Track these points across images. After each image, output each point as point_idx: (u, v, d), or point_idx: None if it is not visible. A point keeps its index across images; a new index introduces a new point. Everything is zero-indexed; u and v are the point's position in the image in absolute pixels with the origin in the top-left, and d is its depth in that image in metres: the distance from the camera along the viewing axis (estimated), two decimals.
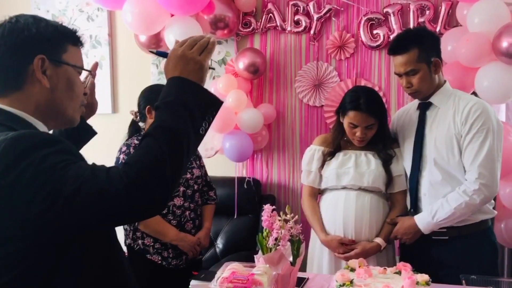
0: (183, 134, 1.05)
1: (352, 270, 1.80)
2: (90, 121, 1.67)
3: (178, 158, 1.03)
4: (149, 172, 0.98)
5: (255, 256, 1.72)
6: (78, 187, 0.94)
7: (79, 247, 1.04)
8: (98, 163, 1.05)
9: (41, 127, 1.12)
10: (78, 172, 0.96)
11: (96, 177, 0.96)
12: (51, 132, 1.20)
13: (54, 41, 1.12)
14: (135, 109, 2.42)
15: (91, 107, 1.65)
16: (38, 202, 0.93)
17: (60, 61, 1.12)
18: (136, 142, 2.29)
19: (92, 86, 1.64)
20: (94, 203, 0.95)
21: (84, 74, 1.41)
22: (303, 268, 2.12)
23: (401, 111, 2.39)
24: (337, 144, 2.28)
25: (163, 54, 1.26)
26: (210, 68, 1.21)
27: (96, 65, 1.65)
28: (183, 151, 1.04)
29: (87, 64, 1.25)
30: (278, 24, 3.23)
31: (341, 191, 2.22)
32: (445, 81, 2.17)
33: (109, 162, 2.20)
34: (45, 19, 1.15)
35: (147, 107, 2.30)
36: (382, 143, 2.24)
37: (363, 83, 3.11)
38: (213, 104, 1.15)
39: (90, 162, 1.08)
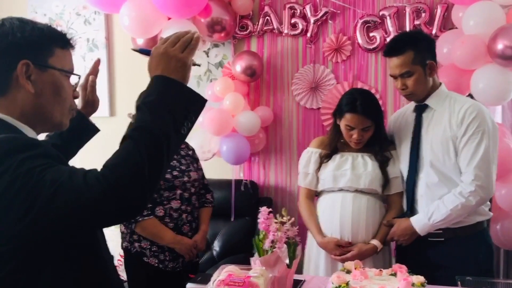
0: (163, 136, 1.03)
1: (348, 272, 1.80)
2: None
3: (157, 161, 1.01)
4: (127, 176, 0.97)
5: (251, 258, 1.73)
6: (54, 191, 0.93)
7: (62, 251, 1.04)
8: (95, 166, 1.04)
9: (28, 131, 1.11)
10: (55, 176, 0.95)
11: (73, 181, 0.95)
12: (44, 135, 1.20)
13: (40, 45, 1.10)
14: (133, 112, 2.42)
15: (92, 105, 1.65)
16: (16, 207, 0.93)
17: (46, 66, 1.11)
18: None
19: (93, 83, 1.63)
20: (71, 207, 0.94)
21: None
22: (299, 270, 2.12)
23: (397, 113, 2.40)
24: (333, 146, 2.28)
25: (145, 52, 1.22)
26: (194, 64, 1.18)
27: (98, 62, 1.64)
28: (162, 153, 1.02)
29: (84, 68, 1.24)
30: (275, 27, 3.24)
31: (338, 193, 2.23)
32: (440, 83, 2.18)
33: None
34: (32, 21, 1.13)
35: None
36: (379, 145, 2.24)
37: (359, 85, 3.12)
38: (196, 102, 1.12)
39: (88, 165, 1.08)
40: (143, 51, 1.26)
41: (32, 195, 0.93)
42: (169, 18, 2.94)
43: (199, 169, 2.49)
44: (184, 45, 1.13)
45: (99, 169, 1.02)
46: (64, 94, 1.15)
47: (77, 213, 0.95)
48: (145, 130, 1.03)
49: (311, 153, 2.33)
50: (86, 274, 1.11)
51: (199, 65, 1.28)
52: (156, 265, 2.29)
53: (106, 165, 1.00)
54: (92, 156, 1.78)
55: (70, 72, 1.18)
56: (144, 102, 1.07)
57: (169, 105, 1.07)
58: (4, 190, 0.93)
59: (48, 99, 1.12)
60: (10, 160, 0.95)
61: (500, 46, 2.44)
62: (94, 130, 1.68)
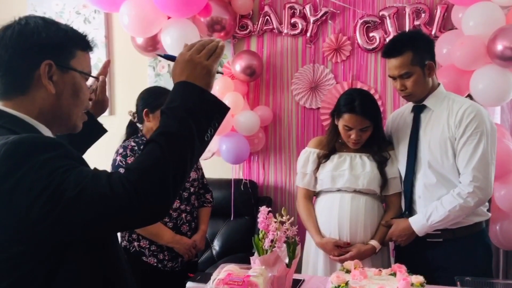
0: (187, 141, 1.04)
1: (348, 271, 1.81)
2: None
3: (181, 165, 1.02)
4: (151, 179, 0.97)
5: (251, 257, 1.73)
6: (78, 192, 0.93)
7: (77, 253, 1.03)
8: (95, 165, 1.05)
9: (45, 130, 1.11)
10: (79, 177, 0.95)
11: (97, 183, 0.95)
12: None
13: (63, 47, 1.11)
14: (133, 110, 2.42)
15: (101, 105, 1.66)
16: (38, 207, 0.92)
17: (68, 67, 1.11)
18: (132, 144, 2.30)
19: (103, 83, 1.64)
20: (95, 209, 0.94)
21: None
22: (298, 270, 2.12)
23: (396, 113, 2.39)
24: (332, 146, 2.28)
25: (170, 58, 1.24)
26: (218, 72, 1.20)
27: (108, 63, 1.65)
28: (186, 158, 1.03)
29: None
30: (275, 27, 3.24)
31: (336, 193, 2.23)
32: (439, 84, 2.18)
33: (106, 164, 2.21)
34: (55, 22, 1.13)
35: (144, 110, 2.30)
36: (377, 145, 2.24)
37: (359, 85, 3.12)
38: (219, 110, 1.14)
39: (88, 162, 1.07)
40: (168, 57, 1.27)
41: (55, 196, 0.92)
42: (169, 17, 2.94)
43: (198, 169, 2.49)
44: (209, 53, 1.14)
45: (101, 169, 1.02)
46: (82, 96, 1.16)
47: (100, 215, 0.95)
48: (170, 134, 1.03)
49: (309, 153, 2.33)
50: (102, 271, 1.10)
51: (222, 73, 1.31)
52: (155, 264, 2.30)
53: (129, 168, 1.00)
54: (92, 155, 1.77)
55: (89, 74, 1.18)
56: (169, 108, 1.08)
57: (193, 111, 1.07)
58: (27, 189, 0.93)
59: (67, 100, 1.12)
60: (33, 160, 0.94)
61: (499, 47, 2.44)
62: (102, 130, 1.69)
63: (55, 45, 1.09)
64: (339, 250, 2.16)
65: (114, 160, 2.28)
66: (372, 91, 2.99)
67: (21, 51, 1.07)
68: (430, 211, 2.07)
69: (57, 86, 1.10)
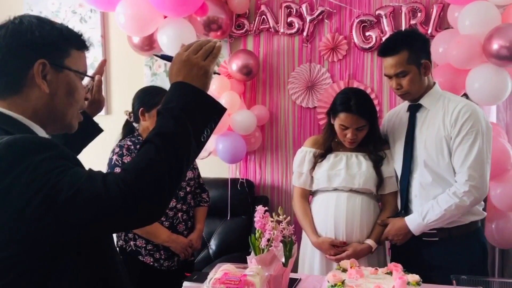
0: (184, 142, 1.04)
1: (344, 270, 1.81)
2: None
3: (177, 166, 1.02)
4: (146, 179, 0.97)
5: (247, 257, 1.73)
6: (74, 193, 0.92)
7: (73, 254, 1.02)
8: (92, 164, 1.05)
9: (39, 131, 1.10)
10: (74, 178, 0.94)
11: (92, 183, 0.94)
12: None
13: (57, 46, 1.10)
14: (129, 109, 2.42)
15: (97, 104, 1.65)
16: (32, 208, 0.92)
17: (62, 66, 1.10)
18: (129, 143, 2.29)
19: (99, 83, 1.63)
20: (90, 210, 0.93)
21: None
22: (294, 269, 2.13)
23: (392, 112, 2.40)
24: (328, 145, 2.28)
25: (167, 58, 1.23)
26: (215, 73, 1.20)
27: (103, 62, 1.65)
28: (182, 159, 1.03)
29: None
30: (271, 26, 3.24)
31: (332, 192, 2.23)
32: (434, 83, 2.18)
33: (102, 163, 2.20)
34: (50, 21, 1.12)
35: (140, 109, 2.30)
36: (373, 144, 2.25)
37: (355, 84, 3.12)
38: (216, 111, 1.13)
39: (84, 163, 1.07)
40: (165, 57, 1.27)
41: (50, 197, 0.92)
42: (165, 17, 2.93)
43: (194, 168, 2.49)
44: (206, 53, 1.14)
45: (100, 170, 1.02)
46: (77, 95, 1.15)
47: (95, 216, 0.94)
48: (166, 135, 1.03)
49: (305, 153, 2.33)
50: (99, 271, 1.10)
51: (219, 74, 1.30)
52: (151, 263, 2.29)
53: (125, 168, 0.99)
54: (88, 154, 1.77)
55: (85, 74, 1.17)
56: (165, 108, 1.07)
57: (189, 112, 1.07)
58: (21, 190, 0.92)
59: (62, 99, 1.12)
60: (28, 161, 0.93)
61: (495, 46, 2.45)
62: (98, 130, 1.68)
63: (49, 44, 1.08)
64: (335, 250, 2.16)
65: (111, 159, 2.27)
66: (368, 90, 3.00)
67: (15, 50, 1.06)
68: (426, 210, 2.07)
69: (51, 85, 1.09)
